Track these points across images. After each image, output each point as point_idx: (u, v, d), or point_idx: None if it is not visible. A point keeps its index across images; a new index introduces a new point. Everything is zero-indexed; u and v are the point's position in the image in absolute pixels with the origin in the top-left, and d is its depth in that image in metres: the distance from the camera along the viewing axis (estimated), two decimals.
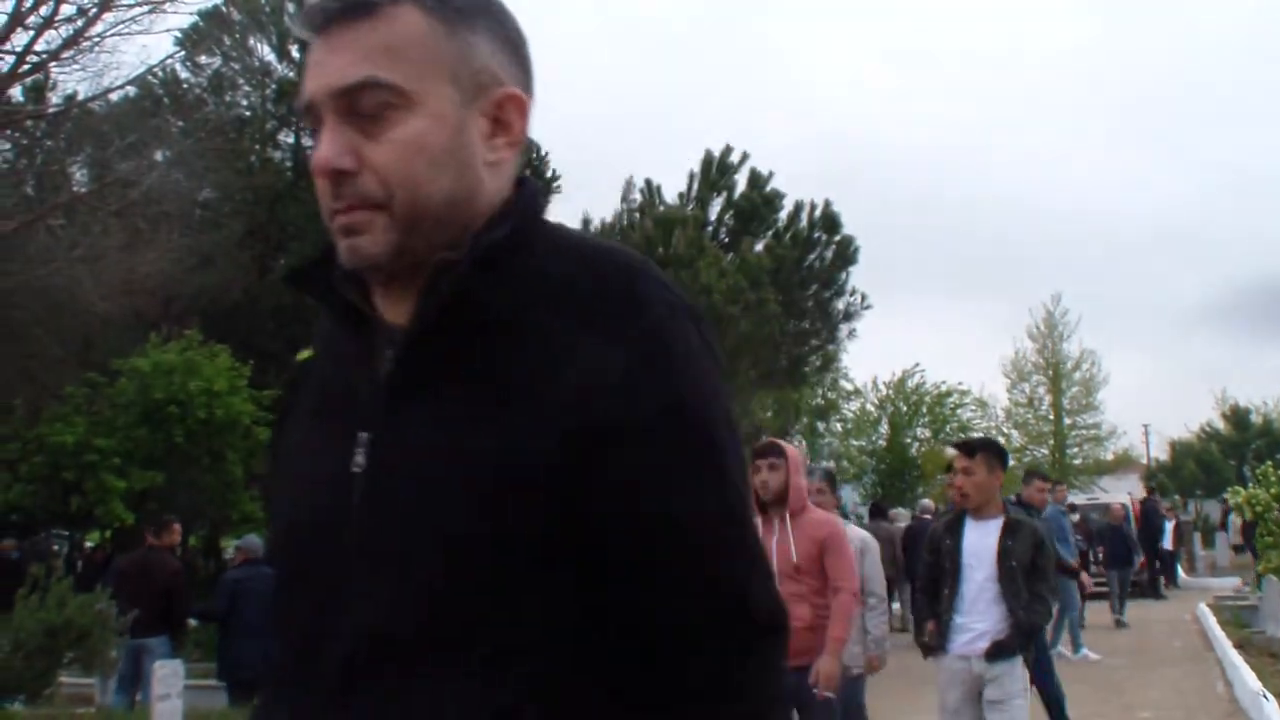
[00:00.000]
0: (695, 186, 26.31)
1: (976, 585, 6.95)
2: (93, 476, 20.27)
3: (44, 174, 20.28)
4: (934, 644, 7.13)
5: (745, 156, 26.44)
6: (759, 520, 6.69)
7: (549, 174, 32.64)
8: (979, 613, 6.95)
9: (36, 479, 19.88)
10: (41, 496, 20.37)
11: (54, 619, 13.80)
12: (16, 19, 17.33)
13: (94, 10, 17.73)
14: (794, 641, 5.53)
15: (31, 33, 17.66)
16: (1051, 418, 47.48)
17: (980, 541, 6.99)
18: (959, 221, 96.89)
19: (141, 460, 20.91)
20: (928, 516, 23.52)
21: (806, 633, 6.57)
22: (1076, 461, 47.26)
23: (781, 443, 7.35)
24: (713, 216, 26.15)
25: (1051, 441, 47.30)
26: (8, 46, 17.79)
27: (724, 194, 26.35)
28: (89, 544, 36.70)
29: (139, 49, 38.73)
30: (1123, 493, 32.16)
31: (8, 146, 20.46)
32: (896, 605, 24.46)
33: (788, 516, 6.98)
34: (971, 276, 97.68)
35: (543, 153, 32.64)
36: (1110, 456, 50.21)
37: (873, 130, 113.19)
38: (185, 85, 25.47)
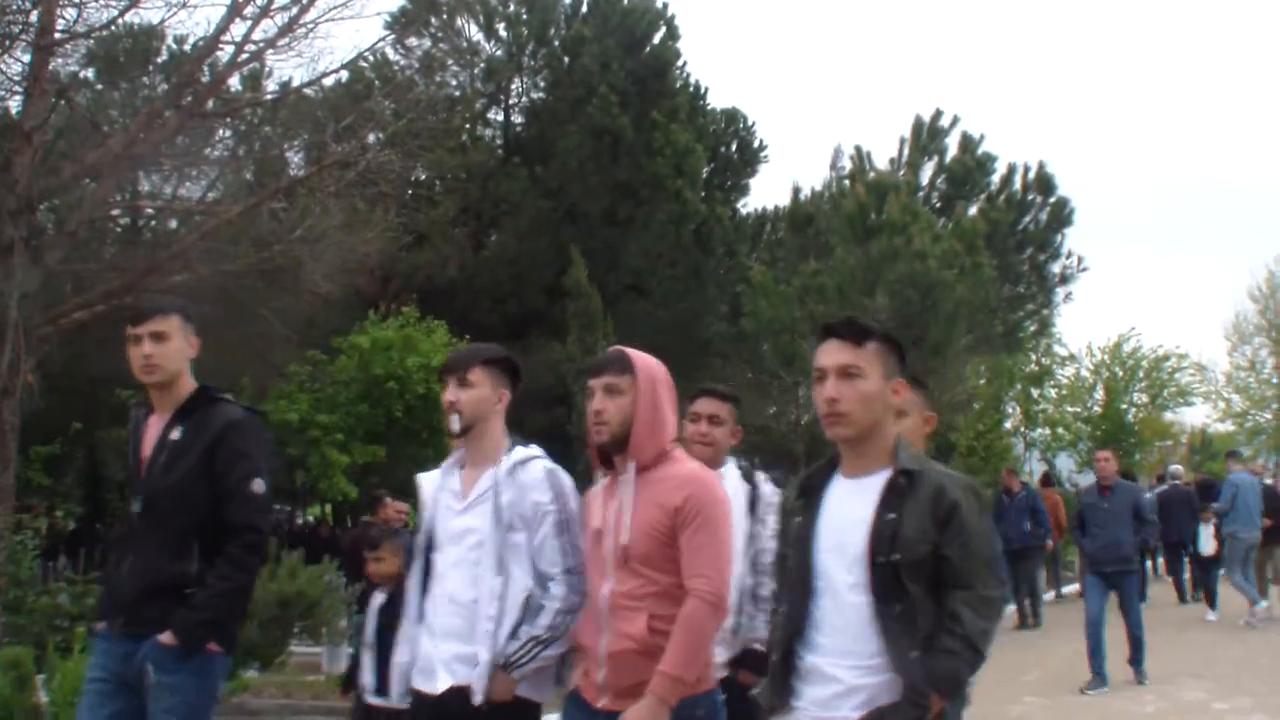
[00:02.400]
0: (906, 151, 25.99)
1: (840, 598, 3.86)
2: (316, 452, 20.80)
3: (263, 160, 20.76)
4: (768, 700, 4.10)
5: (956, 120, 26.07)
6: (598, 475, 4.86)
7: (756, 144, 32.55)
8: (843, 650, 3.84)
9: None
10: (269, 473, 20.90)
11: (287, 590, 14.24)
12: (235, 10, 17.71)
13: None
14: (616, 671, 4.46)
15: (249, 23, 18.05)
16: (1275, 381, 46.05)
17: (847, 516, 3.90)
18: (1176, 180, 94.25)
19: (363, 436, 21.39)
20: (1177, 482, 22.92)
21: (639, 659, 4.42)
22: None
23: (630, 352, 4.82)
24: (924, 182, 25.81)
25: (1275, 406, 45.90)
26: (226, 37, 18.21)
27: (935, 158, 25.99)
28: (310, 518, 37.79)
29: (351, 33, 39.61)
30: None
31: (229, 134, 20.96)
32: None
33: (631, 470, 4.65)
34: (1190, 236, 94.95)
35: (750, 123, 32.57)
36: None
37: (1086, 88, 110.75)
38: (396, 67, 25.88)
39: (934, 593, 3.81)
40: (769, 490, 6.21)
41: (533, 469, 4.90)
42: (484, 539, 4.81)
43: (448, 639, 4.80)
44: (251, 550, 5.26)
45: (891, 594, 3.78)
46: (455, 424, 5.03)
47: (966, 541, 3.81)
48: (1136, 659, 13.62)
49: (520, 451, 4.97)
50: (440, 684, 4.75)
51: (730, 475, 6.12)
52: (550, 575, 4.77)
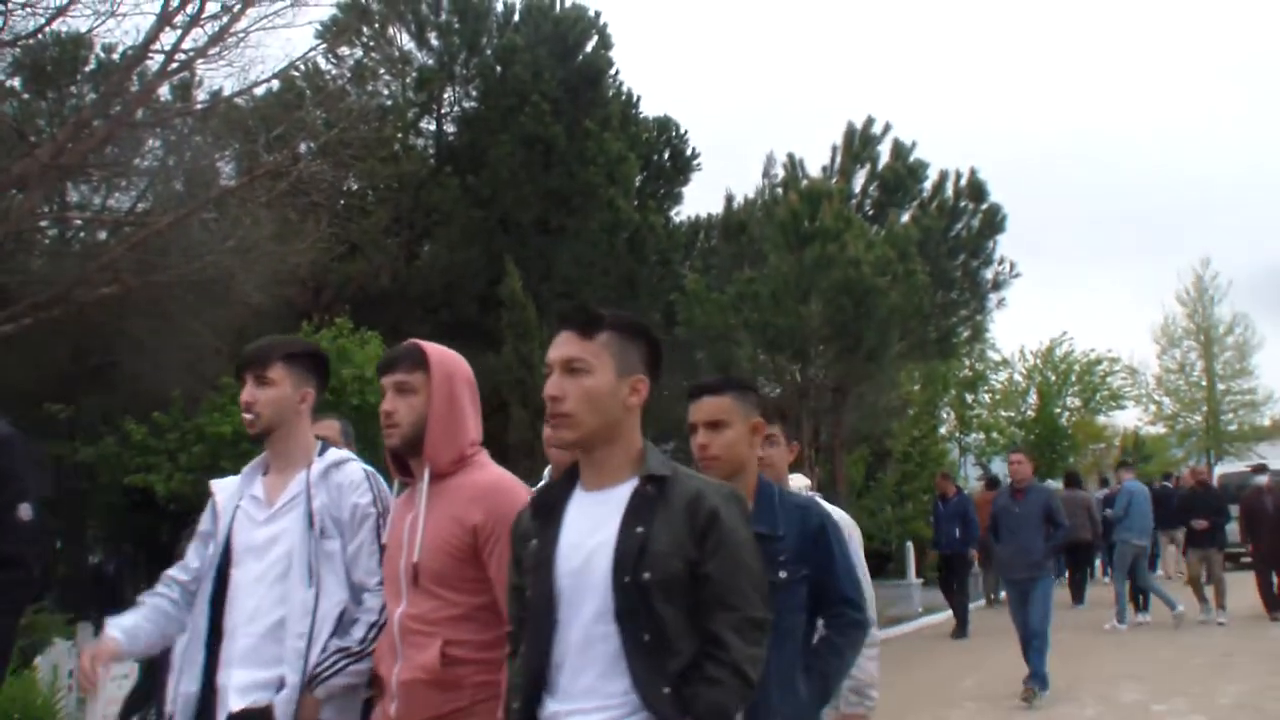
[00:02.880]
0: (838, 159, 26.07)
1: (585, 630, 3.33)
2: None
3: (193, 170, 20.60)
4: None
5: (888, 127, 26.15)
6: (396, 486, 4.48)
7: (689, 152, 32.58)
8: (588, 691, 3.30)
9: (196, 468, 20.25)
10: (202, 486, 20.73)
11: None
12: (164, 19, 17.58)
13: (238, 6, 17.94)
14: (407, 704, 4.01)
15: (178, 31, 17.91)
16: (1204, 384, 46.60)
17: (589, 534, 3.39)
18: (1104, 185, 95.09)
19: None
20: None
21: (430, 692, 3.99)
22: (1231, 428, 46.37)
23: (425, 345, 4.37)
24: (857, 189, 25.90)
25: (1205, 408, 46.45)
26: (156, 46, 18.06)
27: (867, 165, 26.08)
28: None
29: (282, 43, 39.44)
30: None
31: (158, 144, 20.79)
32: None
33: (426, 476, 4.19)
34: (1119, 241, 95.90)
35: (682, 131, 32.59)
36: (1267, 422, 49.14)
37: (1015, 96, 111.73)
38: (327, 76, 25.74)
39: (693, 617, 3.29)
40: None
41: (350, 470, 4.55)
42: (293, 548, 4.36)
43: (246, 664, 4.29)
44: (15, 586, 4.78)
45: (641, 620, 3.25)
46: (253, 427, 4.57)
47: (730, 555, 3.31)
48: (1033, 660, 12.86)
49: (335, 453, 4.62)
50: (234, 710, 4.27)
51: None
52: (366, 586, 4.37)
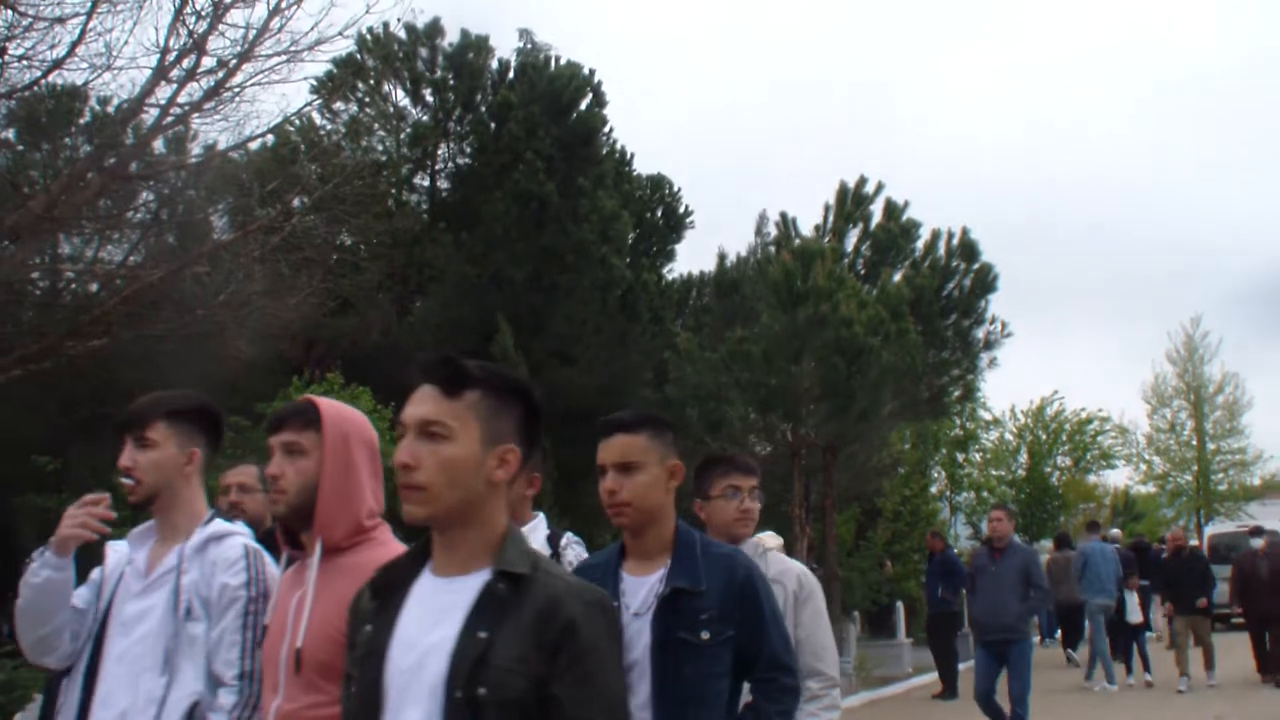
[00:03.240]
0: (831, 218, 26.14)
1: None
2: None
3: (187, 224, 20.60)
4: None
5: (880, 186, 26.22)
6: (284, 560, 4.00)
7: (682, 210, 32.68)
8: None
9: None
10: None
11: None
12: (160, 73, 17.62)
13: (234, 62, 17.99)
14: None
15: (174, 85, 17.95)
16: (1194, 443, 46.56)
17: (429, 629, 2.85)
18: (1095, 245, 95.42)
19: None
20: (1116, 545, 23.09)
21: None
22: (1222, 488, 46.29)
23: (320, 401, 3.97)
24: (849, 248, 25.96)
25: (1195, 467, 46.38)
26: (151, 100, 18.10)
27: (860, 225, 26.14)
28: None
29: (277, 98, 39.54)
30: (1273, 519, 31.13)
31: (152, 197, 20.80)
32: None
33: (317, 551, 3.76)
34: (1110, 301, 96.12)
35: (675, 189, 32.69)
36: (1258, 482, 49.05)
37: (1008, 157, 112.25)
38: (322, 132, 25.82)
39: None
40: (574, 555, 5.34)
41: (229, 546, 4.00)
42: (154, 628, 3.89)
43: None
44: None
45: None
46: (133, 494, 4.09)
47: (584, 677, 2.73)
48: None
49: (218, 526, 4.10)
50: None
51: (537, 536, 5.27)
52: (222, 679, 3.82)
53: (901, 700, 20.33)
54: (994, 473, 44.83)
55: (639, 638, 3.90)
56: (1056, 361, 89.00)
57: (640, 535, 4.06)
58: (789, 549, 15.25)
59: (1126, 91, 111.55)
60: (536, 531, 5.19)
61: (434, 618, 2.80)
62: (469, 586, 2.82)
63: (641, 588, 3.98)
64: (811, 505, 23.88)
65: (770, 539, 7.77)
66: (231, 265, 19.08)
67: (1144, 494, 50.70)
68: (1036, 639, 26.35)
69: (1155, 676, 19.59)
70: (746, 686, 4.06)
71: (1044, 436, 45.14)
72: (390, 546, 3.73)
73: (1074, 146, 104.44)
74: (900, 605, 25.48)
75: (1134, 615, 20.35)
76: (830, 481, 23.55)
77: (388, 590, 2.93)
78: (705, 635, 3.84)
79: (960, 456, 43.65)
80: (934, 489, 39.47)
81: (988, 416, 44.44)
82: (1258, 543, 19.95)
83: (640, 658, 3.88)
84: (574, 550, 5.20)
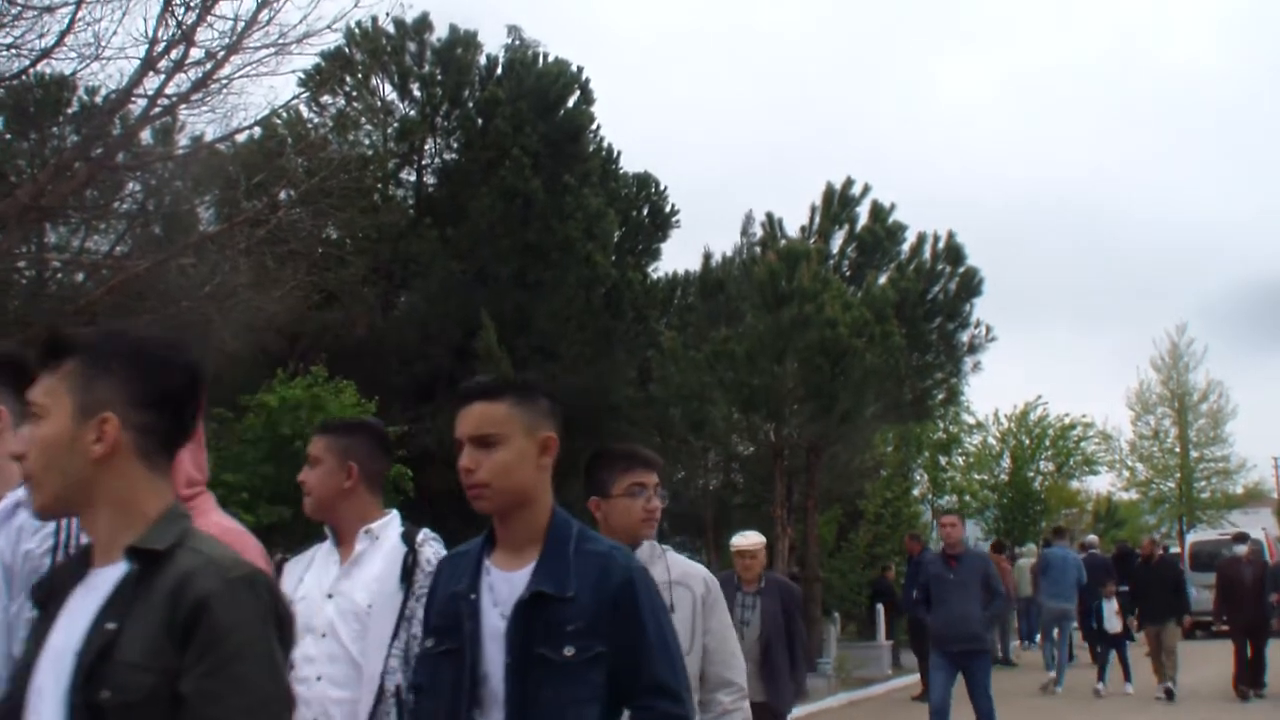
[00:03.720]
0: (817, 220, 26.13)
1: None
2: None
3: (173, 215, 20.59)
4: None
5: (867, 189, 26.18)
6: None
7: (668, 209, 32.66)
8: None
9: None
10: None
11: None
12: (148, 64, 17.62)
13: (222, 54, 17.99)
14: None
15: (162, 76, 17.94)
16: (1178, 450, 46.65)
17: (68, 629, 2.37)
18: (1081, 251, 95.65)
19: (268, 496, 21.10)
20: (1095, 551, 23.17)
21: None
22: (1204, 495, 46.39)
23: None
24: (835, 250, 25.96)
25: (1178, 475, 46.48)
26: (139, 90, 18.09)
27: (846, 227, 26.12)
28: None
29: (265, 90, 39.49)
30: (1256, 528, 31.20)
31: (139, 188, 20.79)
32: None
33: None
34: (1095, 306, 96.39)
35: (662, 188, 32.68)
36: (1240, 490, 49.16)
37: (992, 160, 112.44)
38: (309, 125, 25.77)
39: None
40: (431, 553, 4.42)
41: None
42: None
43: None
44: None
45: None
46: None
47: (220, 668, 2.22)
48: None
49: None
50: None
51: (390, 535, 4.60)
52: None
53: (881, 701, 20.35)
54: (976, 477, 44.85)
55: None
56: (1040, 367, 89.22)
57: (506, 522, 3.39)
58: (771, 550, 15.26)
59: (1113, 98, 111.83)
60: (389, 529, 4.59)
61: (74, 618, 2.35)
62: (111, 577, 2.36)
63: (509, 585, 3.32)
64: (793, 506, 23.91)
65: (754, 539, 7.74)
66: (217, 257, 19.09)
67: (1126, 500, 50.82)
68: (1016, 643, 26.44)
69: (1135, 686, 19.57)
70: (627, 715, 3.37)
71: (1027, 441, 45.13)
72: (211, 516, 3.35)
73: (1061, 153, 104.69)
74: (880, 607, 25.48)
75: (1111, 624, 20.22)
76: (813, 482, 23.60)
77: (50, 594, 2.47)
78: (569, 651, 3.19)
79: (943, 460, 43.70)
80: (916, 492, 39.54)
81: (971, 420, 44.47)
82: (1241, 549, 19.95)
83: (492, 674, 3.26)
84: (431, 547, 4.45)
